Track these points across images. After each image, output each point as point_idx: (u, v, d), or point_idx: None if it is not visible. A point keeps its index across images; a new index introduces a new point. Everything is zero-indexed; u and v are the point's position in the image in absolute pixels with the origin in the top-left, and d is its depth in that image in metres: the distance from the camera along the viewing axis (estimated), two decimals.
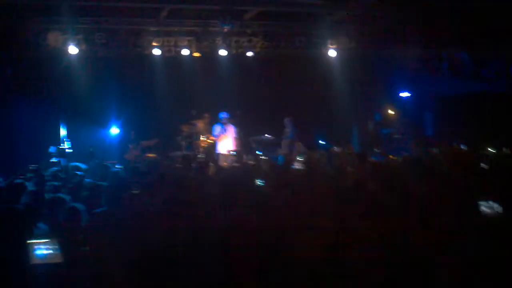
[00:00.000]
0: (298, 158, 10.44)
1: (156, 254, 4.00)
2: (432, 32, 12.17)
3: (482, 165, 7.34)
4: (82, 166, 7.79)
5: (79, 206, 4.71)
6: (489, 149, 9.39)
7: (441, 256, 3.85)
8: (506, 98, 13.01)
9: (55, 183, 6.05)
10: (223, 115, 12.53)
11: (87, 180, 6.51)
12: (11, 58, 11.35)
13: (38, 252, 3.21)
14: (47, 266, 3.11)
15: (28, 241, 3.28)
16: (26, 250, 3.18)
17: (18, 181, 5.92)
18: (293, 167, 8.06)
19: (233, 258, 4.03)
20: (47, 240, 3.23)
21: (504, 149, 9.13)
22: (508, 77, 13.20)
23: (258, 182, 6.58)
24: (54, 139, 10.65)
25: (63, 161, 9.39)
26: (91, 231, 4.46)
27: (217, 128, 12.56)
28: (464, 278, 3.69)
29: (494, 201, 4.47)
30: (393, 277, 3.80)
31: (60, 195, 5.33)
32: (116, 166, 8.95)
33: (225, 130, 12.50)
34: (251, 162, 9.72)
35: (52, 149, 8.66)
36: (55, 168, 7.32)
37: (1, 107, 11.08)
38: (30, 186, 5.88)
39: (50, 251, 3.24)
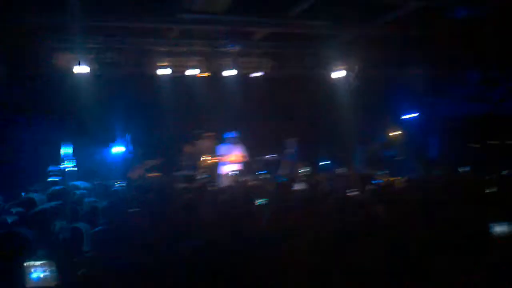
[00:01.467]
0: (300, 175, 10.50)
1: (154, 274, 4.03)
2: (438, 54, 12.20)
3: (489, 189, 7.33)
4: (86, 185, 7.86)
5: (81, 225, 4.75)
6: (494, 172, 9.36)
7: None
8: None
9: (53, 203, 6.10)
10: (229, 134, 12.55)
11: (87, 199, 6.58)
12: (21, 78, 11.49)
13: (34, 275, 3.21)
14: None
15: (25, 264, 3.27)
16: (22, 273, 3.19)
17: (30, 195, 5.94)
18: (294, 187, 8.09)
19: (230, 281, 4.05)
20: (43, 262, 3.24)
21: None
22: None
23: (258, 202, 6.61)
24: (58, 158, 10.74)
25: (62, 180, 9.45)
26: (88, 252, 4.51)
27: (222, 148, 12.59)
28: None
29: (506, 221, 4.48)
30: None
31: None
32: (119, 185, 9.00)
33: (230, 150, 12.51)
34: (252, 183, 9.75)
35: (51, 168, 8.73)
36: (54, 188, 7.37)
37: (8, 125, 11.19)
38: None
39: (46, 274, 3.24)
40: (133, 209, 5.76)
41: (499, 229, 4.51)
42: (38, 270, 3.21)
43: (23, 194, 6.22)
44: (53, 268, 3.22)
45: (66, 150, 11.69)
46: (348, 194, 7.41)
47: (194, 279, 3.98)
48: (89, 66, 11.86)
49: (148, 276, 4.02)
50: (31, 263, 3.20)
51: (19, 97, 11.69)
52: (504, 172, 9.25)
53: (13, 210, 5.59)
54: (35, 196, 5.91)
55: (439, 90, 13.46)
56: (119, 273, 4.03)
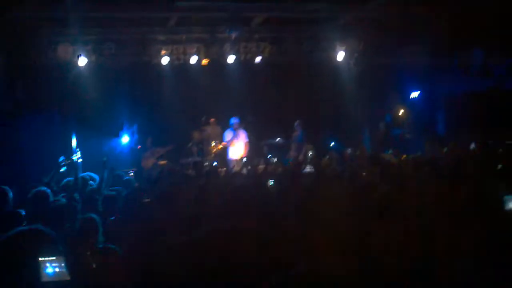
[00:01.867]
0: (309, 158, 10.49)
1: (167, 268, 3.99)
2: (441, 31, 12.09)
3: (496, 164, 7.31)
4: (95, 176, 7.82)
5: (95, 216, 4.72)
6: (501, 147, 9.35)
7: (462, 260, 3.77)
8: None
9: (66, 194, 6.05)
10: (234, 120, 12.54)
11: (101, 191, 6.55)
12: (21, 71, 11.45)
13: (49, 270, 3.18)
14: (56, 284, 3.10)
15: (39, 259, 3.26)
16: (37, 268, 3.17)
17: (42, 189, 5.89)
18: (304, 171, 8.05)
19: (241, 267, 4.01)
20: (55, 257, 3.20)
21: None
22: None
23: (271, 182, 6.62)
24: (65, 150, 10.70)
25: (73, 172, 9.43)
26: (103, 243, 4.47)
27: (228, 134, 12.58)
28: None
29: None
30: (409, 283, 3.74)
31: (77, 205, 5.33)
32: (130, 174, 8.96)
33: (236, 136, 12.50)
34: (261, 167, 9.73)
35: (61, 158, 8.67)
36: (68, 179, 7.33)
37: (11, 119, 11.15)
38: None
39: (60, 268, 3.21)
40: (146, 199, 5.72)
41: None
42: (52, 265, 3.17)
43: (32, 187, 6.17)
44: (64, 263, 3.18)
45: (73, 141, 11.68)
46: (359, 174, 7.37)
47: (206, 267, 3.93)
48: (89, 57, 11.84)
49: (161, 266, 3.98)
50: (45, 258, 3.16)
51: (21, 90, 11.65)
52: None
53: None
54: (47, 190, 5.85)
55: (442, 67, 13.34)
56: (132, 263, 3.99)
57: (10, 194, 5.68)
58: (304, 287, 3.06)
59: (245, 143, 12.50)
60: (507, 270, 3.53)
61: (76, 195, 6.05)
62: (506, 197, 4.57)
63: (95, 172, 7.90)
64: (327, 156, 10.35)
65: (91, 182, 7.53)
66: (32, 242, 3.24)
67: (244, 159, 11.60)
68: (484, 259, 3.71)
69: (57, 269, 3.10)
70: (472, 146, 10.20)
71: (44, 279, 3.05)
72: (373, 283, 3.55)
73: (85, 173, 7.90)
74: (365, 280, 3.52)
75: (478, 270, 3.63)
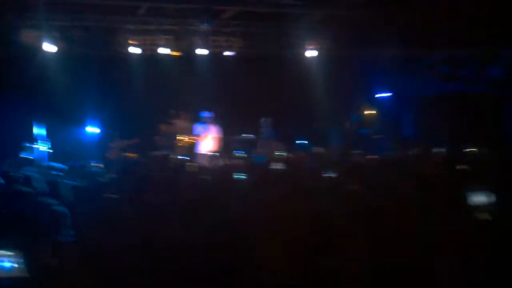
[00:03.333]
0: (276, 156, 10.47)
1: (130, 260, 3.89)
2: (410, 33, 12.23)
3: (461, 166, 7.40)
4: (61, 166, 7.62)
5: (60, 208, 4.55)
6: (467, 149, 9.49)
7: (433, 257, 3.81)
8: (484, 98, 13.16)
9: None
10: (205, 114, 12.45)
11: (65, 181, 6.37)
12: None
13: (4, 264, 3.06)
14: (11, 281, 2.98)
15: None
16: None
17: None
18: (271, 167, 8.02)
19: (213, 259, 3.97)
20: (12, 252, 3.08)
21: (482, 149, 9.22)
22: (485, 78, 13.34)
23: (237, 176, 6.62)
24: (28, 139, 10.47)
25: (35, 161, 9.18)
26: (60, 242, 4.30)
27: (198, 127, 12.47)
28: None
29: (483, 191, 4.50)
30: (378, 279, 3.76)
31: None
32: (96, 165, 8.79)
33: (206, 130, 12.42)
34: (230, 162, 9.68)
35: (26, 144, 8.47)
36: (28, 169, 7.12)
37: None
38: None
39: (15, 264, 3.09)
40: (111, 193, 5.56)
41: (476, 198, 4.56)
42: (8, 260, 3.06)
43: None
44: (21, 259, 3.07)
45: (38, 130, 11.42)
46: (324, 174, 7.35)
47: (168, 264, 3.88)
48: (56, 45, 11.60)
49: (126, 263, 3.89)
50: (1, 252, 3.05)
51: None
52: (475, 149, 9.40)
53: None
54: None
55: (412, 68, 13.52)
56: (94, 261, 3.89)
57: None
58: None
59: (216, 138, 12.42)
60: (478, 263, 3.60)
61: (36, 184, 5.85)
62: (468, 193, 4.64)
63: (61, 162, 7.73)
64: (295, 153, 10.36)
65: (54, 172, 7.34)
66: None
67: (213, 154, 11.52)
68: (453, 255, 3.77)
69: (13, 264, 3.00)
70: (438, 148, 10.34)
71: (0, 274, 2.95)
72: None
73: (52, 163, 7.72)
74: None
75: (449, 266, 3.69)
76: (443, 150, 9.91)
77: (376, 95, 14.82)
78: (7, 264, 3.01)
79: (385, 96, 14.80)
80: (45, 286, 3.48)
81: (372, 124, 13.87)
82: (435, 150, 10.18)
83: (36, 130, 11.39)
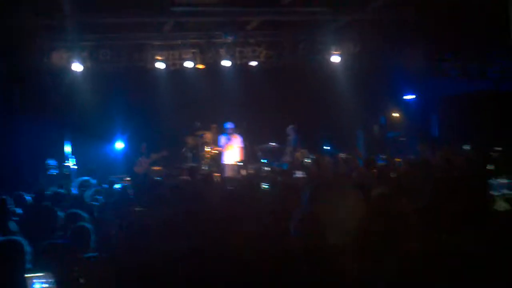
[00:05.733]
0: (303, 163, 10.50)
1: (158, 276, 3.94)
2: (436, 34, 12.12)
3: (488, 166, 7.34)
4: (92, 181, 7.80)
5: (87, 224, 4.64)
6: (495, 149, 9.37)
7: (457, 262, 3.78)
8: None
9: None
10: (229, 125, 12.55)
11: (94, 197, 6.55)
12: (18, 77, 11.50)
13: (36, 286, 3.15)
14: None
15: (25, 275, 3.21)
16: (25, 285, 3.13)
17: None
18: (296, 175, 8.04)
19: (238, 270, 4.00)
20: (43, 273, 3.17)
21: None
22: None
23: (264, 185, 6.62)
24: (58, 157, 10.70)
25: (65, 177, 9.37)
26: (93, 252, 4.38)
27: (222, 139, 12.57)
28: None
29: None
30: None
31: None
32: (125, 180, 8.93)
33: (230, 140, 12.51)
34: (253, 172, 9.74)
35: (51, 161, 8.65)
36: (58, 190, 7.31)
37: (7, 126, 11.19)
38: None
39: (46, 285, 3.17)
40: (138, 207, 5.65)
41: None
42: (39, 281, 3.14)
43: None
44: (52, 279, 3.15)
45: (68, 147, 11.66)
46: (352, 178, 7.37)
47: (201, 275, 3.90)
48: (85, 64, 11.87)
49: (155, 276, 3.93)
50: (32, 274, 3.15)
51: (18, 95, 11.70)
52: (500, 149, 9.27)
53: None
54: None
55: (438, 69, 13.36)
56: (123, 274, 3.92)
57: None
58: None
59: (240, 148, 12.50)
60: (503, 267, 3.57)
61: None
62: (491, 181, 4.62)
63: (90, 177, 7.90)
64: (322, 159, 10.36)
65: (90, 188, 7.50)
66: (5, 253, 3.21)
67: (239, 164, 11.62)
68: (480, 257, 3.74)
69: (44, 285, 3.07)
70: (466, 148, 10.24)
71: None
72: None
73: (84, 177, 7.88)
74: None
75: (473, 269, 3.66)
76: (471, 150, 9.82)
77: (403, 97, 14.70)
78: (38, 286, 3.09)
79: (412, 98, 14.67)
80: None
81: (399, 127, 13.77)
82: (463, 149, 10.10)
83: (66, 148, 11.65)
